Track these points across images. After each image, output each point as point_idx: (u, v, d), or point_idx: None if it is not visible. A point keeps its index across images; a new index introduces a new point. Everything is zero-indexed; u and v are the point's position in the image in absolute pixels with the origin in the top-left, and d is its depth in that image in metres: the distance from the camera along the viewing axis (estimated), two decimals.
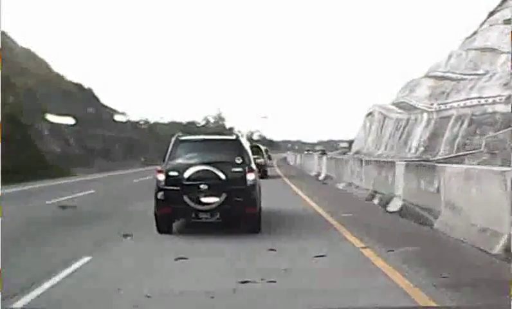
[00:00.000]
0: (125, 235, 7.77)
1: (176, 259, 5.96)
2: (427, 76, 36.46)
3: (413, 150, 28.17)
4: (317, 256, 6.09)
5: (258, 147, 26.56)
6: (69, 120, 28.62)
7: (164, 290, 4.90)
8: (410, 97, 36.08)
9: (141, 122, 53.94)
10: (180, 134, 8.86)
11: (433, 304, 4.27)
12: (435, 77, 34.49)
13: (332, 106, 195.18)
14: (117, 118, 48.24)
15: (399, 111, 33.83)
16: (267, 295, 4.73)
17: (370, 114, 43.16)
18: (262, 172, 22.77)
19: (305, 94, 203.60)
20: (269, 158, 30.81)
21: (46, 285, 5.05)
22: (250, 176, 8.04)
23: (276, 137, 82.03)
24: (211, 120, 72.83)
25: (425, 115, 28.80)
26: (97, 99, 48.31)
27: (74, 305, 4.64)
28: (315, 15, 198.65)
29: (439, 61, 38.46)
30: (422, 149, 26.88)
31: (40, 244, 7.29)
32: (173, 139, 8.52)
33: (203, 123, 71.85)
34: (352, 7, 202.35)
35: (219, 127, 70.49)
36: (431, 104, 30.88)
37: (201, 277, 5.35)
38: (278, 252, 6.49)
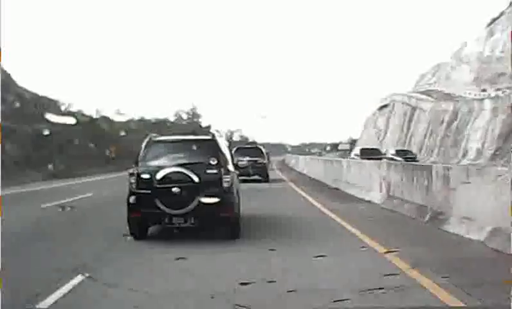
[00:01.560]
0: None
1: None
2: (463, 58, 28.96)
3: (472, 155, 20.78)
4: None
5: (260, 149, 26.26)
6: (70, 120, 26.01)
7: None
8: (444, 84, 28.69)
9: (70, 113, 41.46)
10: (154, 134, 9.30)
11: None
12: (477, 59, 27.06)
13: (313, 109, 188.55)
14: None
15: (431, 99, 26.52)
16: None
17: (385, 106, 36.00)
18: (265, 176, 24.14)
19: (287, 97, 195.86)
20: (268, 160, 30.11)
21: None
22: (226, 178, 8.38)
23: (257, 139, 74.84)
24: (184, 117, 64.27)
25: (487, 104, 21.47)
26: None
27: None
28: (298, 16, 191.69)
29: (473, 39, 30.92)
30: (490, 152, 19.44)
31: None
32: (146, 139, 8.96)
33: (174, 119, 63.49)
34: (331, 9, 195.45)
35: (192, 124, 62.97)
36: (483, 90, 23.48)
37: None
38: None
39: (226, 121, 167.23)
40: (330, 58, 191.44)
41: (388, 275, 5.54)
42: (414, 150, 27.12)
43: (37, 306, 4.95)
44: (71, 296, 5.42)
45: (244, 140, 69.27)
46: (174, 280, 5.85)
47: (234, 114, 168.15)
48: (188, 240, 8.19)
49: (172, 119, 67.14)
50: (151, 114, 73.21)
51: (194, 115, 67.91)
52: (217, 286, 5.54)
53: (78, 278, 5.91)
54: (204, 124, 66.98)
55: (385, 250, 6.96)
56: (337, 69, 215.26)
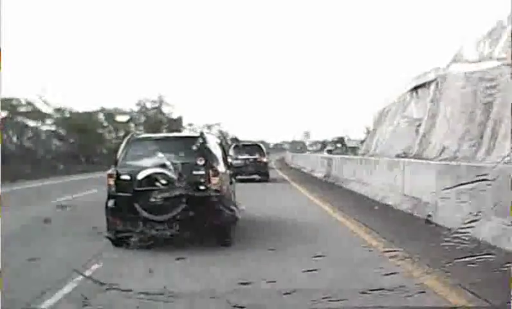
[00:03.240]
0: None
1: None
2: None
3: None
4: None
5: (259, 146, 25.97)
6: None
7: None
8: None
9: None
10: (137, 132, 10.07)
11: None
12: None
13: (291, 106, 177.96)
14: None
15: None
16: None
17: (421, 87, 26.04)
18: (265, 175, 24.33)
19: (270, 90, 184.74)
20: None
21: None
22: (214, 180, 8.07)
23: (238, 135, 66.02)
24: (149, 106, 56.35)
25: None
26: None
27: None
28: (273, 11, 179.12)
29: None
30: None
31: None
32: (127, 138, 8.82)
33: (137, 110, 56.12)
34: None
35: (159, 116, 56.21)
36: None
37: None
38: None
39: (202, 114, 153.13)
40: (317, 51, 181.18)
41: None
42: (507, 147, 17.70)
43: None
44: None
45: (225, 136, 60.97)
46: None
47: (212, 107, 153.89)
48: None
49: (133, 109, 55.92)
50: (110, 104, 63.10)
51: (161, 104, 56.83)
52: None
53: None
54: (174, 116, 57.54)
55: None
56: (325, 62, 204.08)
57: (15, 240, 8.79)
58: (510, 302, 3.38)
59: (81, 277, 6.10)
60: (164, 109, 57.40)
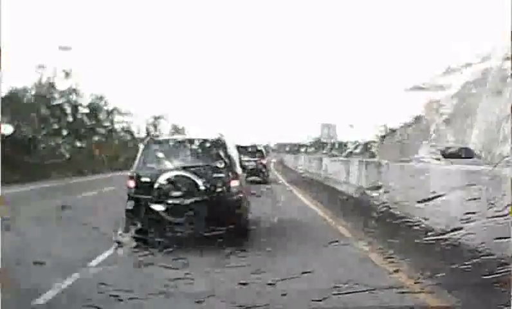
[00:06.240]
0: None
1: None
2: None
3: None
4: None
5: (259, 148, 26.84)
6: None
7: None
8: None
9: None
10: (153, 134, 10.31)
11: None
12: None
13: (259, 108, 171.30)
14: None
15: None
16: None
17: None
18: (265, 177, 25.29)
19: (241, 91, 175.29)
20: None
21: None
22: (234, 183, 8.35)
23: (195, 132, 50.78)
24: (57, 85, 35.26)
25: None
26: None
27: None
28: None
29: None
30: None
31: None
32: (145, 140, 9.12)
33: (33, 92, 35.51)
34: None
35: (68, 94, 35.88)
36: None
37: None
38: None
39: (145, 101, 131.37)
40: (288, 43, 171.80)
41: None
42: None
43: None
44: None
45: (176, 130, 48.77)
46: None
47: (157, 94, 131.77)
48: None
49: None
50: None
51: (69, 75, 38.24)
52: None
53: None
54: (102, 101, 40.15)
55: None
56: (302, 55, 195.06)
57: None
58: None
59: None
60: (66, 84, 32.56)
